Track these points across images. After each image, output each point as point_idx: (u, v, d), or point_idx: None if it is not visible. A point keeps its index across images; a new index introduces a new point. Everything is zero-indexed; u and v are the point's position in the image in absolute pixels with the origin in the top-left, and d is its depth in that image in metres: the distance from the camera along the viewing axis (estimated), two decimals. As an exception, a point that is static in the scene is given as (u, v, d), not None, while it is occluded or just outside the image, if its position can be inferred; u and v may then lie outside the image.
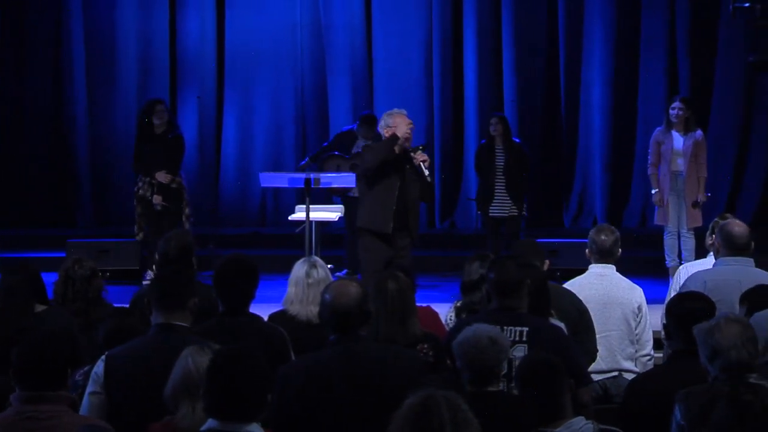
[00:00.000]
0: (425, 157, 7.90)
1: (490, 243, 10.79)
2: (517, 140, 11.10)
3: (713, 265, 5.96)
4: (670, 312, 4.53)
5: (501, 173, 10.73)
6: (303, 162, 11.35)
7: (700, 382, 3.92)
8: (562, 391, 3.95)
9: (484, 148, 10.97)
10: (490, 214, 10.78)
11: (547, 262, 5.86)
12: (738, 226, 5.81)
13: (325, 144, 11.52)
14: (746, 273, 5.60)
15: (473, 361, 4.19)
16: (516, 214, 10.74)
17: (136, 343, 4.39)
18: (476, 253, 5.96)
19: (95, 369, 4.26)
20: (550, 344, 4.58)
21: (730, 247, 5.76)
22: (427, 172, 7.87)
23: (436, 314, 5.85)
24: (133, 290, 6.21)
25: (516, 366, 4.45)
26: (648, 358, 6.01)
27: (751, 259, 5.75)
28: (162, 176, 10.16)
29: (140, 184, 10.29)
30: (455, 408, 3.00)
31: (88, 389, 4.25)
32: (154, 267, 9.23)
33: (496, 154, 10.80)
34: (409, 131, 7.88)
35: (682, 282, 6.08)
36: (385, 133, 7.96)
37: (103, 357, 4.29)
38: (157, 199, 10.18)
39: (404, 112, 8.10)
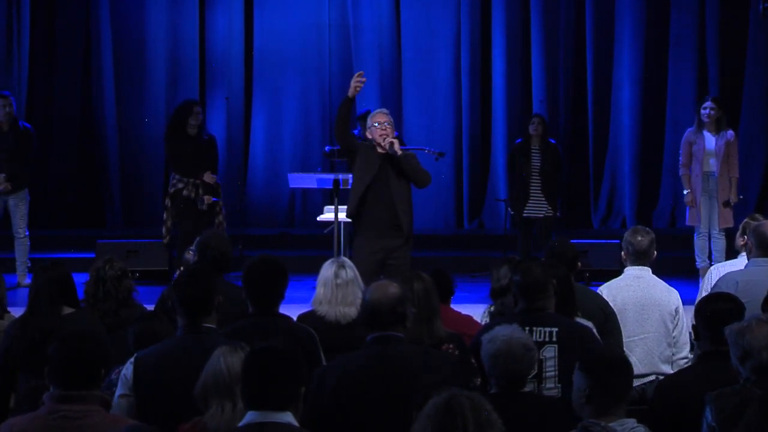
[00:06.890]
0: (394, 139, 7.58)
1: (521, 244, 10.74)
2: (553, 141, 11.04)
3: (745, 266, 5.94)
4: (699, 313, 4.51)
5: (536, 173, 10.67)
6: (327, 149, 11.18)
7: (729, 383, 3.90)
8: (625, 394, 3.83)
9: (519, 147, 10.88)
10: (524, 215, 10.71)
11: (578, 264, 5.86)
12: None
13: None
14: (778, 274, 5.58)
15: (506, 371, 4.14)
16: (550, 215, 10.69)
17: (165, 345, 4.40)
18: (503, 258, 5.94)
19: (124, 371, 4.28)
20: (580, 344, 4.57)
21: (763, 248, 5.76)
22: (399, 152, 7.54)
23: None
24: (161, 291, 6.21)
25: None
26: (686, 360, 5.94)
27: None
28: (209, 177, 10.21)
29: (180, 185, 10.24)
30: (479, 408, 3.00)
31: (118, 392, 4.27)
32: (182, 267, 9.27)
33: (531, 154, 10.74)
34: (383, 132, 7.65)
35: (713, 283, 6.08)
36: (368, 134, 7.82)
37: (132, 359, 4.31)
38: (207, 199, 10.20)
39: (384, 111, 7.96)
